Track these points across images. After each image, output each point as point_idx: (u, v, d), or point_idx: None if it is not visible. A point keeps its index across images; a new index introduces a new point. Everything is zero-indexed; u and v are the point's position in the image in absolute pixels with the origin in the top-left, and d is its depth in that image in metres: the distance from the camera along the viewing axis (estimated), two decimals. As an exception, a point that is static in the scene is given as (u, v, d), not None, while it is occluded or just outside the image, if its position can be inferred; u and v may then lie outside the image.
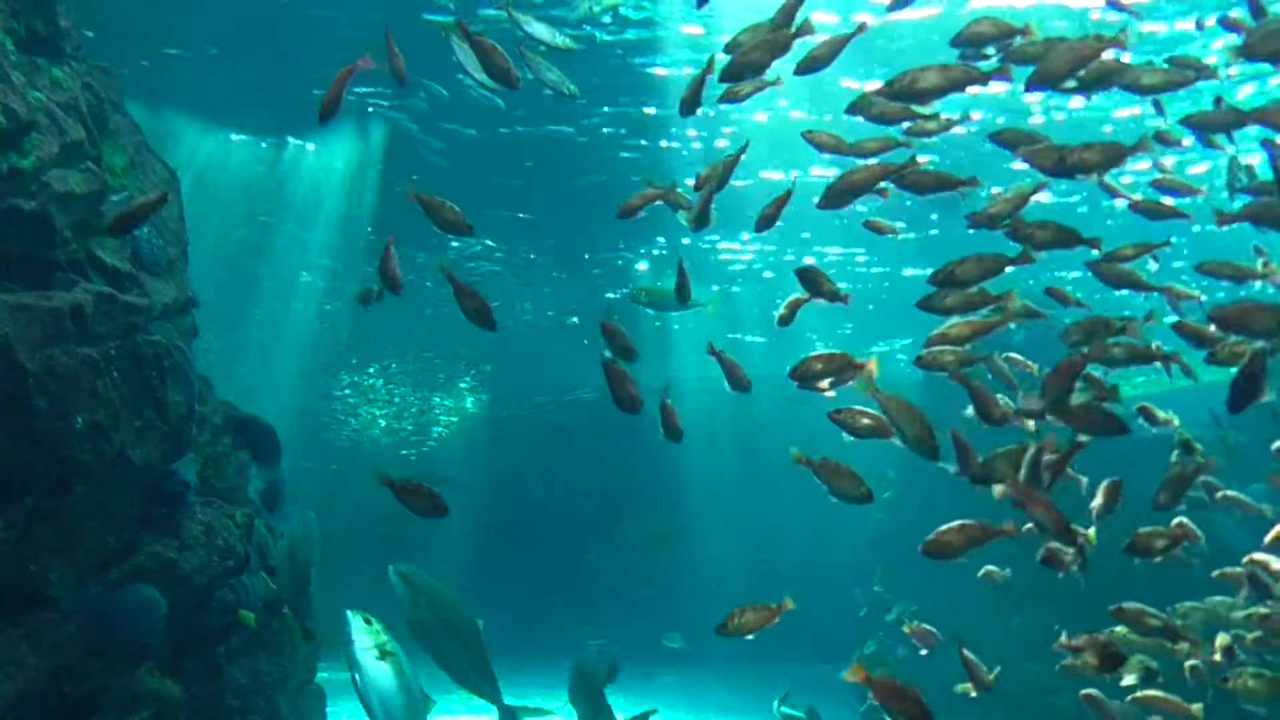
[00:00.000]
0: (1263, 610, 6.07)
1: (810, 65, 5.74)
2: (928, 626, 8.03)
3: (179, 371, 7.07)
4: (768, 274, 22.11)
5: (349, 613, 6.09)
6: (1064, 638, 6.14)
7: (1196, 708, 6.37)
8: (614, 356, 5.95)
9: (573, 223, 19.17)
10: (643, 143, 15.95)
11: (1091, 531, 5.69)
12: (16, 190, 6.56)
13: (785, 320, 6.61)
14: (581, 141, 15.87)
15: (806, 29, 5.45)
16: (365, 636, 5.96)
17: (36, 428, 5.97)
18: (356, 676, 5.90)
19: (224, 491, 8.80)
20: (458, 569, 26.40)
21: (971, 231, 6.00)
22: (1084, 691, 6.86)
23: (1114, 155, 5.35)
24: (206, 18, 12.84)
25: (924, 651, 8.08)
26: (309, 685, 10.64)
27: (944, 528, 5.16)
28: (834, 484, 5.36)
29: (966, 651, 6.59)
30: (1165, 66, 5.64)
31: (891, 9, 6.12)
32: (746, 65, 5.42)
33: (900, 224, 6.91)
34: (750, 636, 5.59)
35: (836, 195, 5.73)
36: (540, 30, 6.05)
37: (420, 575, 6.42)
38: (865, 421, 5.48)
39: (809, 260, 20.92)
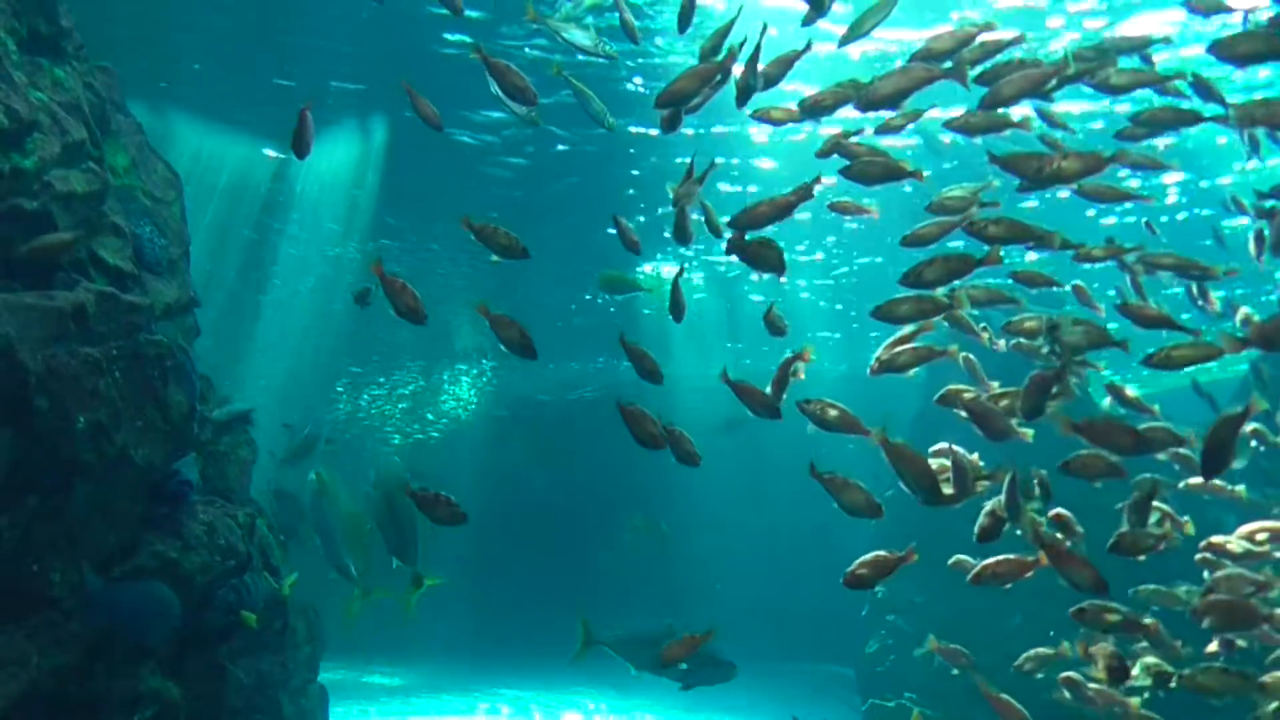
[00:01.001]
0: (1214, 597, 6.04)
1: (764, 83, 5.95)
2: (956, 646, 8.05)
3: (181, 371, 7.08)
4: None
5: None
6: (1063, 646, 6.14)
7: (1135, 702, 6.39)
8: (640, 377, 6.05)
9: (577, 224, 19.16)
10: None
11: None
12: (18, 190, 6.57)
13: (779, 329, 6.69)
14: (587, 150, 15.91)
15: (731, 58, 5.67)
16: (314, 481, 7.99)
17: (38, 427, 5.98)
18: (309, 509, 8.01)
19: (225, 491, 8.82)
20: (458, 569, 26.42)
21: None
22: (1063, 675, 6.92)
23: (1093, 165, 5.43)
24: (211, 21, 12.87)
25: (955, 671, 8.10)
26: (312, 685, 10.67)
27: (860, 560, 5.47)
28: (843, 497, 5.47)
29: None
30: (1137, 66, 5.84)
31: (843, 43, 6.19)
32: (677, 94, 5.66)
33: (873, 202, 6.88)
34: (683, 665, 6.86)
35: (747, 222, 5.83)
36: (581, 38, 6.09)
37: (393, 471, 8.29)
38: (833, 413, 5.68)
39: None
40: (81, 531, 6.38)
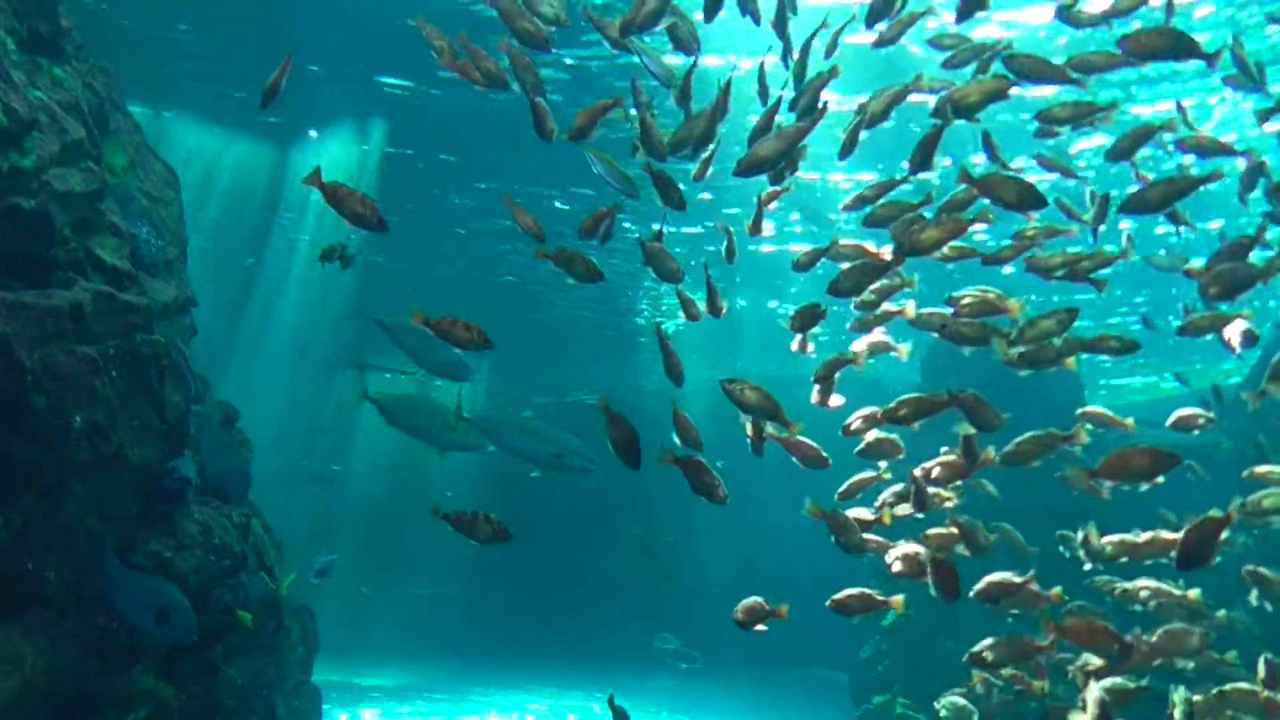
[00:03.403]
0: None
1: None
2: (986, 675, 8.12)
3: (177, 371, 7.09)
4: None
5: None
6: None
7: (1039, 686, 6.50)
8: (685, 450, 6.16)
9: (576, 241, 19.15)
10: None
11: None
12: (17, 189, 6.56)
13: (802, 340, 6.88)
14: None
15: (619, 101, 6.20)
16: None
17: (35, 426, 5.98)
18: None
19: (220, 491, 8.80)
20: (456, 571, 26.38)
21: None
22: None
23: (955, 230, 5.83)
24: (209, 19, 12.88)
25: (980, 692, 8.18)
26: (305, 685, 10.65)
27: (742, 604, 5.86)
28: (841, 536, 5.76)
29: None
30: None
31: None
32: (580, 130, 6.23)
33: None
34: None
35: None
36: (658, 68, 6.34)
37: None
38: (750, 395, 5.91)
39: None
40: (77, 531, 6.37)
